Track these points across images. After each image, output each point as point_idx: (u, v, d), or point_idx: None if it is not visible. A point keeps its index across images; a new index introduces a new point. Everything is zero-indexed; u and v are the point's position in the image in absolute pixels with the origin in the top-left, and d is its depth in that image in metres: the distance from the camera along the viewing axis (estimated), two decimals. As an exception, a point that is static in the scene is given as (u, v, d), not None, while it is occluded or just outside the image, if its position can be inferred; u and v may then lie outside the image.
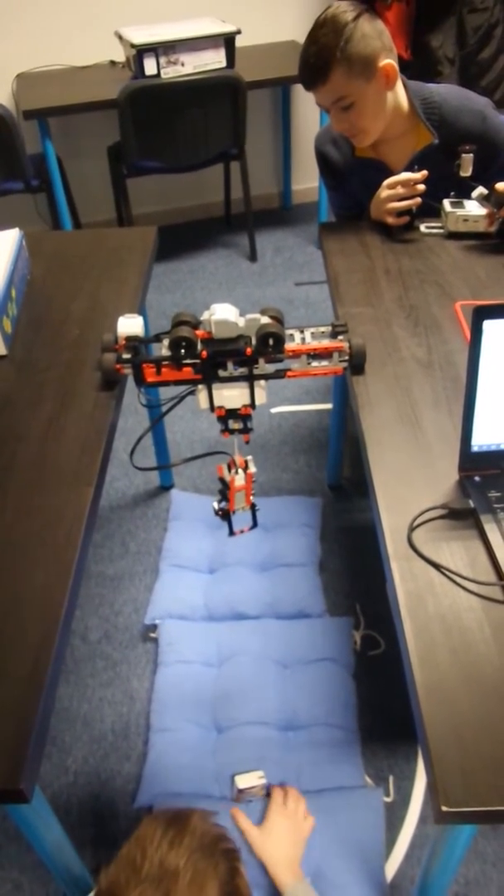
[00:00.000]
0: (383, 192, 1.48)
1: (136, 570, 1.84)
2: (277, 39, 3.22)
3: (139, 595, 1.77)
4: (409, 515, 0.89)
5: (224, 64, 2.81)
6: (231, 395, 1.06)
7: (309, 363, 1.09)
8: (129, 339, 1.09)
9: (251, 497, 1.14)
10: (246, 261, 3.22)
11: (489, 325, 0.84)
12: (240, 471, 1.11)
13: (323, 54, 1.35)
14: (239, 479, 1.11)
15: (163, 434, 2.00)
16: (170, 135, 2.78)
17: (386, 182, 1.47)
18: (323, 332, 1.10)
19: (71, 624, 0.96)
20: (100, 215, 3.38)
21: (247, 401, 1.06)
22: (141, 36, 2.71)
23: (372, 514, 0.93)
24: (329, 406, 2.32)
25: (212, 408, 1.06)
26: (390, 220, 1.51)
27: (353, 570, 1.82)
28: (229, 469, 1.11)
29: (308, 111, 3.43)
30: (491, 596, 0.80)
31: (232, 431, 1.09)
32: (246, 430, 1.09)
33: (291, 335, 1.09)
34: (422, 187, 1.45)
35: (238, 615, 1.64)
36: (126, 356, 1.08)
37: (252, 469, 1.12)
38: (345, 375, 1.16)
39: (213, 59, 2.80)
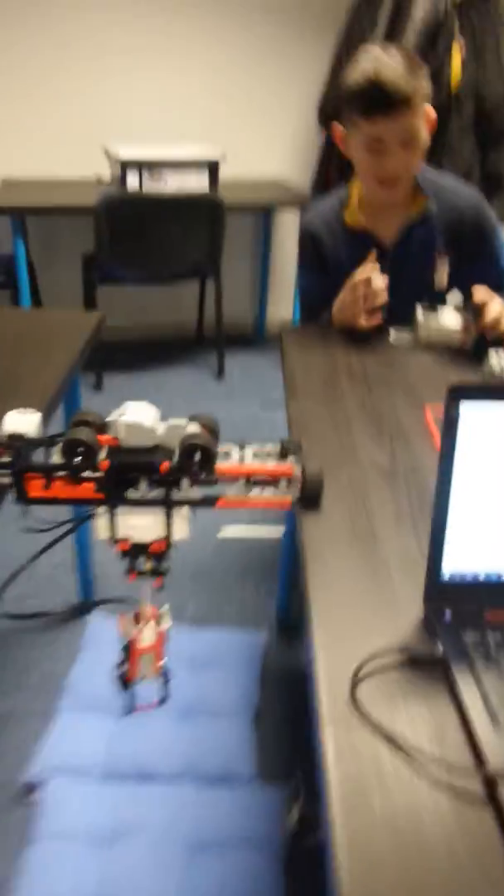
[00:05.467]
0: (347, 296, 1.37)
1: (31, 709, 1.51)
2: (264, 176, 3.31)
3: (28, 741, 1.44)
4: (356, 660, 0.65)
5: (206, 188, 2.84)
6: (141, 525, 0.81)
7: (249, 490, 0.86)
8: (13, 437, 0.82)
9: (161, 662, 0.89)
10: (213, 379, 3.11)
11: (467, 409, 0.64)
12: (150, 625, 0.86)
13: (409, 80, 1.28)
14: (146, 638, 0.86)
15: (86, 534, 1.74)
16: (145, 245, 2.75)
17: (349, 283, 1.36)
18: (269, 453, 0.88)
19: None
20: (68, 321, 3.30)
21: (161, 533, 0.82)
22: (128, 152, 2.74)
23: (306, 655, 0.69)
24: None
25: (114, 539, 0.82)
26: (362, 321, 1.37)
27: (297, 724, 1.51)
28: (136, 622, 0.87)
29: (288, 242, 3.47)
30: (465, 787, 0.55)
31: (141, 573, 0.85)
32: (159, 572, 0.85)
33: (227, 452, 0.87)
34: (384, 297, 1.34)
35: (145, 775, 1.31)
36: (4, 460, 0.82)
37: (166, 624, 0.87)
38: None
39: (197, 183, 2.83)
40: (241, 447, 0.86)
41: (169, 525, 0.81)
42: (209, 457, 0.77)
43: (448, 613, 0.69)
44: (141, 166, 2.73)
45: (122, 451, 0.78)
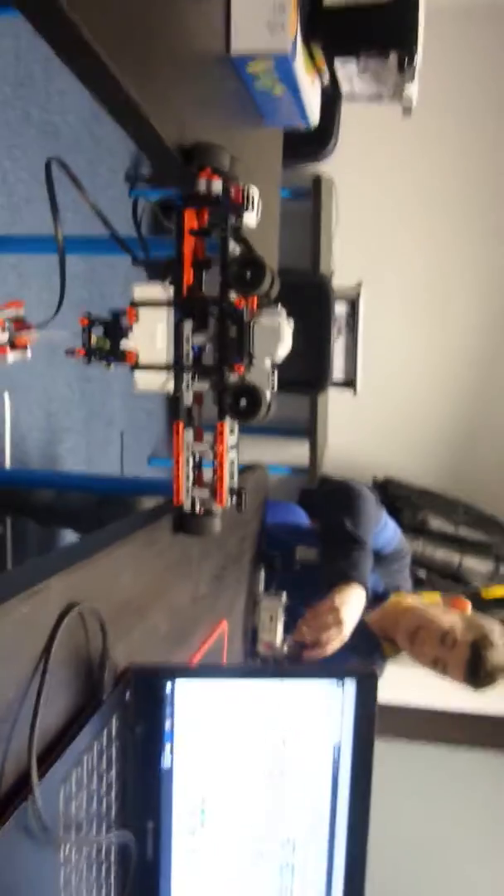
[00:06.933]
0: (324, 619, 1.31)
1: None
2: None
3: None
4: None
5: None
6: (158, 343, 0.78)
7: (196, 452, 0.82)
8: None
9: None
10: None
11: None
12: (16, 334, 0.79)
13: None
14: None
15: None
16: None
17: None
18: (233, 445, 0.84)
19: None
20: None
21: (146, 358, 0.79)
22: (364, 296, 2.83)
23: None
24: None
25: (125, 313, 0.78)
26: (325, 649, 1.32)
27: None
28: (18, 325, 0.79)
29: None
30: None
31: (90, 353, 0.79)
32: (100, 356, 0.79)
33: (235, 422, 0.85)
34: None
35: None
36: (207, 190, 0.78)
37: (16, 354, 0.79)
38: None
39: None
40: (233, 434, 0.83)
41: (160, 368, 0.77)
42: (249, 411, 0.74)
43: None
44: (352, 310, 2.84)
45: (241, 314, 0.78)
